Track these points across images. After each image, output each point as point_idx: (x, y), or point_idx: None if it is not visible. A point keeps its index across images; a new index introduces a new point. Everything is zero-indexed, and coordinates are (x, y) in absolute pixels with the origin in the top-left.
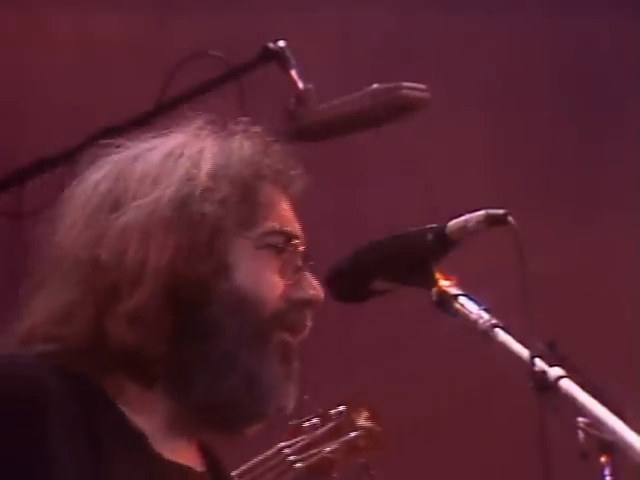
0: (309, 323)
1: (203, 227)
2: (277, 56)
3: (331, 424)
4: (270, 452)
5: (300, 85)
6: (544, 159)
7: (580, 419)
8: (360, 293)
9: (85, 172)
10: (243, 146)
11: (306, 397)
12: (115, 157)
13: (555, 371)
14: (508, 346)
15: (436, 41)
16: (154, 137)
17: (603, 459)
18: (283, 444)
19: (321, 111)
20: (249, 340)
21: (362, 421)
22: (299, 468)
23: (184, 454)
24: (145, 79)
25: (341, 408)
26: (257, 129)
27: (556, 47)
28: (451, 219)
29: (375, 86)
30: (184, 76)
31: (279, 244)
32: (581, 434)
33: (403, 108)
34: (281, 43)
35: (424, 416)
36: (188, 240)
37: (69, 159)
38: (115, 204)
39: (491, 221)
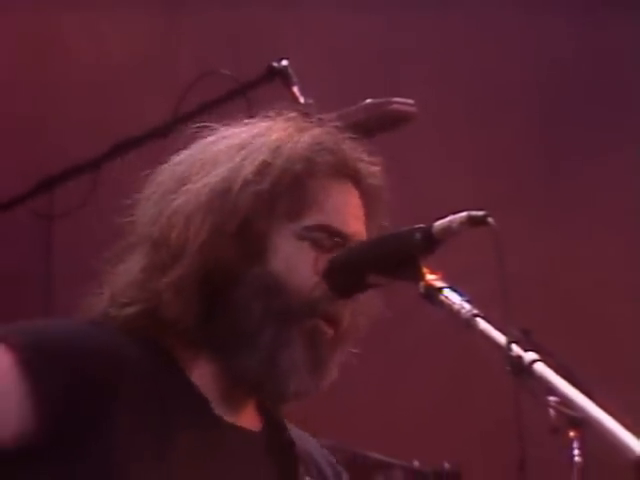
0: (346, 316)
1: (234, 217)
2: (281, 74)
3: None
4: None
5: (301, 100)
6: (521, 167)
7: (552, 398)
8: (355, 286)
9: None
10: (299, 142)
11: None
12: (200, 141)
13: (529, 355)
14: (488, 333)
15: (422, 55)
16: (239, 124)
17: (572, 434)
18: None
19: None
20: (273, 323)
21: None
22: None
23: (241, 416)
24: (159, 94)
25: None
26: (335, 123)
27: (533, 57)
28: (436, 220)
29: (368, 101)
30: (197, 91)
31: (322, 239)
32: (552, 411)
33: (393, 121)
34: (284, 62)
35: (414, 397)
36: (219, 226)
37: (93, 167)
38: (179, 186)
39: (472, 222)
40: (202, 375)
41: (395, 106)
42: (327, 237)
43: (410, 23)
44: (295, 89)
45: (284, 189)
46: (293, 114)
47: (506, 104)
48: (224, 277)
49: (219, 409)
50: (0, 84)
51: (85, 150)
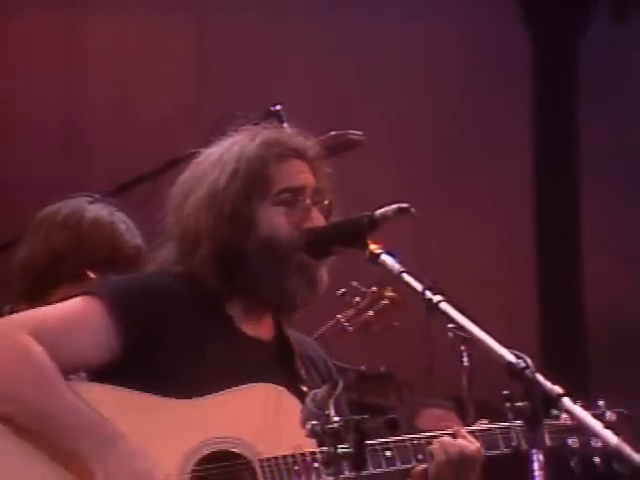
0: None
1: (225, 209)
2: (275, 115)
3: (368, 299)
4: (332, 322)
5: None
6: (430, 175)
7: (450, 325)
8: (324, 253)
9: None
10: (252, 146)
11: (354, 283)
12: (192, 163)
13: (437, 297)
14: (411, 283)
15: (367, 98)
16: (228, 139)
17: (462, 347)
18: (340, 315)
19: None
20: (274, 266)
21: (389, 294)
22: (350, 330)
23: (257, 330)
24: (192, 130)
25: (374, 288)
26: (270, 127)
27: (435, 87)
28: (376, 209)
29: (332, 133)
30: (220, 127)
31: (288, 198)
32: (450, 333)
33: (349, 145)
34: (277, 107)
35: None
36: (218, 218)
37: (152, 177)
38: (185, 199)
39: (400, 211)
40: (231, 304)
41: (350, 136)
42: (290, 195)
43: (353, 78)
44: (285, 125)
45: (253, 181)
46: (249, 127)
47: (420, 128)
48: (233, 249)
49: (243, 326)
50: (83, 133)
51: (143, 167)
